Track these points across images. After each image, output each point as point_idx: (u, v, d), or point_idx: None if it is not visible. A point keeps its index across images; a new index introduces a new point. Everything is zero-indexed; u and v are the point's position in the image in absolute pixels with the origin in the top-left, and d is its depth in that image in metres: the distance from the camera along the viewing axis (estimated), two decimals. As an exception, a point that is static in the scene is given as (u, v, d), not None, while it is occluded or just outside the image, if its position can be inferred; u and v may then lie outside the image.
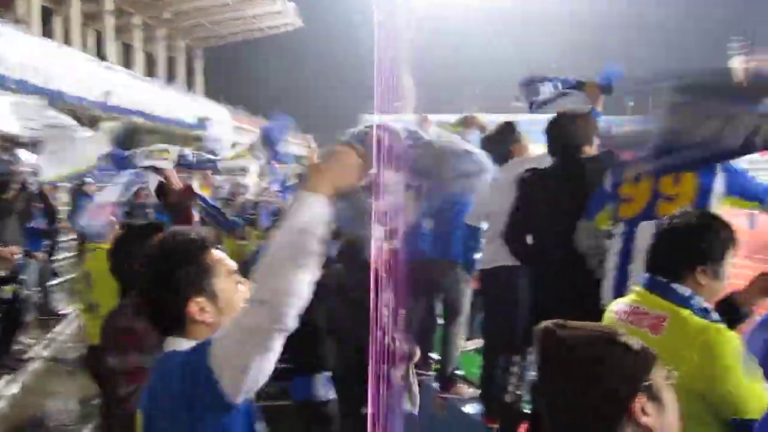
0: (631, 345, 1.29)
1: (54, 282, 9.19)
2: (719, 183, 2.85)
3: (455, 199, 4.64)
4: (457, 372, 4.91)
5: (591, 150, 3.41)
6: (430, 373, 5.15)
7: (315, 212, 1.45)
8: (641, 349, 1.29)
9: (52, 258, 9.44)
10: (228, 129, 36.57)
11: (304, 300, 1.41)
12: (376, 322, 5.00)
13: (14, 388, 6.43)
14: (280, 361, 1.50)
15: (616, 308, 2.25)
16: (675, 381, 1.33)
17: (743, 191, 2.88)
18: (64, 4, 28.06)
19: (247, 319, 1.41)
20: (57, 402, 6.24)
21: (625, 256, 2.91)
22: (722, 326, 1.92)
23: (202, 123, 32.52)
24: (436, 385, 4.89)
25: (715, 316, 1.98)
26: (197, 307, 1.59)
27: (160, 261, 1.64)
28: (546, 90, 4.28)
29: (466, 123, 5.05)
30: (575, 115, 3.49)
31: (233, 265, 1.70)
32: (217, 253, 1.67)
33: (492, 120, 5.32)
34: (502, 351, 4.08)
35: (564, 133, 3.43)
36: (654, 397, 1.26)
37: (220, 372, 1.41)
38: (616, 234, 3.03)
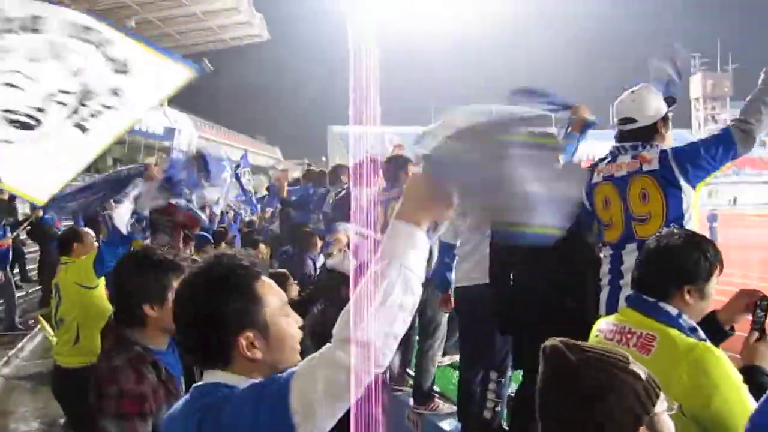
0: (639, 374, 1.27)
1: (17, 296, 8.94)
2: (687, 195, 2.94)
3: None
4: (434, 388, 4.88)
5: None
6: (406, 388, 5.13)
7: (423, 252, 1.33)
8: (648, 378, 1.27)
9: (14, 271, 9.24)
10: (194, 139, 36.41)
11: (398, 341, 1.32)
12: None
13: (-26, 408, 6.24)
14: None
15: (602, 327, 2.25)
16: (674, 411, 1.32)
17: (694, 166, 2.95)
18: (26, 12, 27.56)
19: (343, 359, 1.25)
20: (18, 421, 6.05)
21: (616, 276, 3.01)
22: (711, 344, 1.93)
23: (168, 133, 32.29)
24: (412, 401, 4.85)
25: (703, 335, 2.00)
26: (246, 342, 1.42)
27: (206, 290, 1.46)
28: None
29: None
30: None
31: (284, 295, 1.55)
32: (269, 283, 1.52)
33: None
34: (478, 367, 4.07)
35: None
36: (655, 429, 1.25)
37: (302, 416, 1.26)
38: (605, 255, 3.13)
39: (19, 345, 8.13)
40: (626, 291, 2.84)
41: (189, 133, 35.16)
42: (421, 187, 1.37)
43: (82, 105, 4.29)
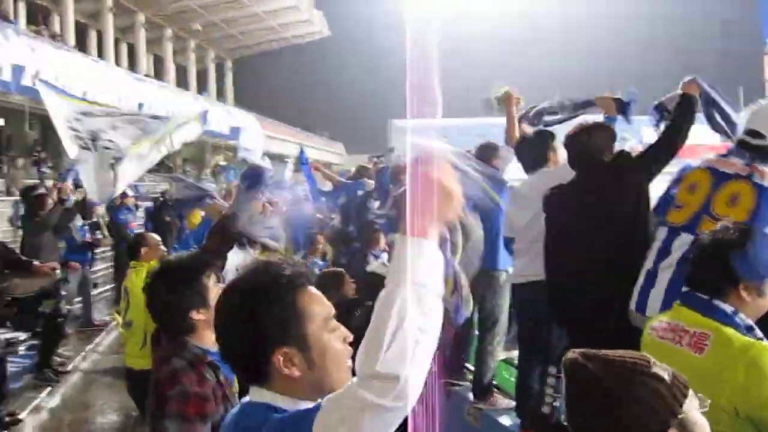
0: (662, 376, 1.23)
1: (94, 293, 9.35)
2: None
3: (488, 207, 4.61)
4: (494, 382, 4.85)
5: (610, 156, 3.41)
6: (466, 383, 5.12)
7: (436, 264, 1.19)
8: (672, 380, 1.23)
9: (92, 269, 9.66)
10: (259, 138, 37.06)
11: (426, 369, 1.17)
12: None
13: (55, 400, 6.56)
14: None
15: (654, 325, 2.20)
16: (707, 408, 1.28)
17: None
18: (99, 20, 28.68)
19: (366, 398, 1.13)
20: (96, 414, 6.34)
21: (659, 261, 2.91)
22: (768, 344, 1.86)
23: (234, 133, 32.99)
24: (471, 395, 4.83)
25: (760, 334, 1.93)
26: (284, 358, 1.32)
27: (243, 301, 1.37)
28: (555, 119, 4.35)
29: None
30: (592, 127, 3.50)
31: (331, 308, 1.41)
32: (313, 293, 1.39)
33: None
34: (537, 363, 4.03)
35: (582, 146, 3.45)
36: (686, 429, 1.21)
37: None
38: (658, 239, 3.03)
39: (96, 340, 8.49)
40: (660, 289, 2.78)
41: (254, 132, 35.81)
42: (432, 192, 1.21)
43: None
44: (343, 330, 1.40)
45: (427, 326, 1.16)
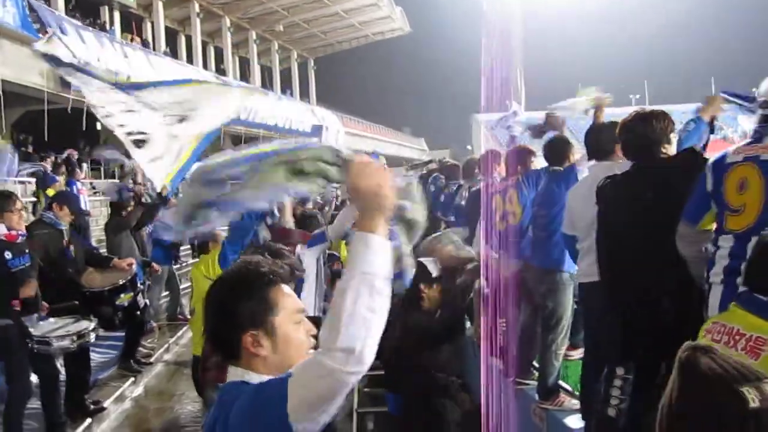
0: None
1: (182, 287, 9.75)
2: None
3: (558, 204, 4.50)
4: (559, 383, 4.74)
5: (671, 149, 3.20)
6: (532, 382, 5.02)
7: (381, 253, 1.45)
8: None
9: (177, 266, 10.07)
10: (341, 135, 37.69)
11: (378, 339, 1.42)
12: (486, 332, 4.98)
13: (138, 390, 6.90)
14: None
15: (709, 327, 2.08)
16: None
17: None
18: (187, 25, 29.86)
19: (330, 366, 1.38)
20: (176, 403, 6.62)
21: (733, 273, 2.57)
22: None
23: (316, 131, 33.66)
24: (537, 395, 4.74)
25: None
26: (252, 339, 1.57)
27: (223, 289, 1.65)
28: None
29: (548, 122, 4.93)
30: (648, 114, 3.28)
31: (300, 305, 1.68)
32: (285, 291, 1.65)
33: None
34: (603, 363, 3.89)
35: (638, 135, 3.25)
36: None
37: (297, 418, 1.40)
38: (722, 247, 2.71)
39: (179, 333, 8.86)
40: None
41: (335, 129, 36.35)
42: (360, 190, 1.48)
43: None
44: (307, 324, 1.66)
45: (376, 306, 1.41)
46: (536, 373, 5.02)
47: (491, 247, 5.09)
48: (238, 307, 1.58)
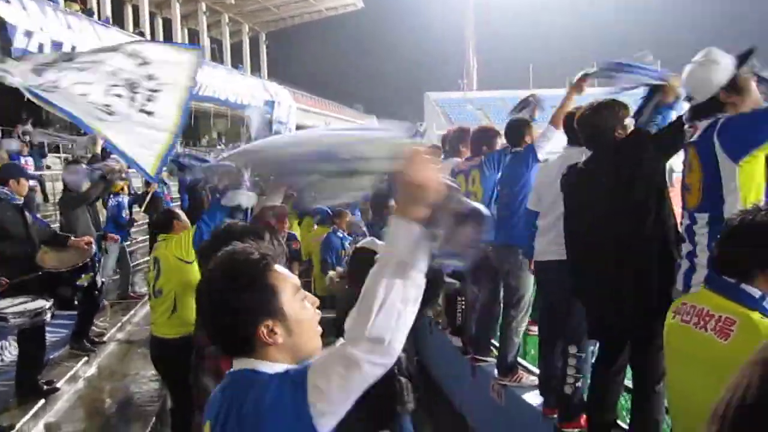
0: None
1: (131, 265, 9.55)
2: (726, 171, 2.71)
3: (519, 183, 4.58)
4: (518, 360, 4.85)
5: (624, 133, 3.33)
6: (491, 359, 5.13)
7: (417, 242, 1.39)
8: None
9: (128, 243, 9.85)
10: (292, 111, 37.30)
11: (407, 332, 1.39)
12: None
13: (91, 370, 6.75)
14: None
15: (678, 308, 2.15)
16: None
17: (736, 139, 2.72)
18: (133, -6, 28.94)
19: (356, 356, 1.34)
20: (131, 384, 6.51)
21: (692, 252, 2.83)
22: (798, 330, 1.80)
23: (268, 106, 33.22)
24: (496, 371, 4.84)
25: (789, 320, 1.86)
26: (267, 330, 1.49)
27: (222, 285, 1.55)
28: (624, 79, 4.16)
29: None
30: (598, 105, 3.42)
31: (297, 280, 1.61)
32: (281, 271, 1.58)
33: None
34: (558, 341, 4.01)
35: (590, 125, 3.41)
36: None
37: (318, 407, 1.36)
38: (683, 224, 2.96)
39: (132, 312, 8.69)
40: (701, 271, 2.71)
41: (287, 105, 35.92)
42: (404, 182, 1.40)
43: (134, 93, 5.29)
44: (309, 296, 1.60)
45: (409, 298, 1.37)
46: (495, 351, 5.12)
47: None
48: (245, 301, 1.50)
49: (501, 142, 5.21)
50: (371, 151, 1.48)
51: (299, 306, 1.55)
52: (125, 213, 8.88)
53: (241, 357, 1.54)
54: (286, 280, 1.57)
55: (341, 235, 7.50)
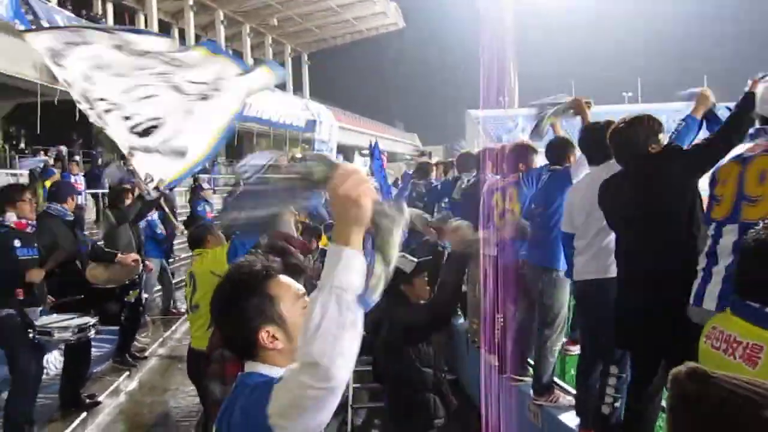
0: None
1: (174, 281, 9.73)
2: None
3: (554, 204, 4.54)
4: (554, 379, 4.77)
5: (657, 147, 3.28)
6: (527, 378, 5.05)
7: (354, 268, 1.40)
8: None
9: (170, 261, 10.05)
10: (334, 130, 37.64)
11: (353, 358, 1.38)
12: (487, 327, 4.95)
13: (132, 384, 6.88)
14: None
15: (709, 333, 2.10)
16: None
17: None
18: (180, 18, 29.69)
19: (300, 379, 1.37)
20: (170, 398, 6.61)
21: (713, 258, 2.81)
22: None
23: (310, 125, 33.59)
24: (531, 391, 4.77)
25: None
26: (267, 335, 1.62)
27: (227, 294, 1.70)
28: None
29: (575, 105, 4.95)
30: (632, 119, 3.38)
31: (301, 289, 1.72)
32: (282, 280, 1.70)
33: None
34: (598, 361, 3.93)
35: (624, 140, 3.37)
36: None
37: (275, 421, 1.41)
38: (709, 234, 2.92)
39: (173, 327, 8.84)
40: (717, 281, 2.68)
41: (329, 124, 36.27)
42: (337, 204, 1.42)
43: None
44: None
45: (346, 322, 1.36)
46: (531, 370, 5.05)
47: (489, 245, 5.12)
48: (244, 308, 1.64)
49: (538, 159, 5.17)
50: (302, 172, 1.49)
51: (300, 313, 1.62)
52: (159, 229, 9.02)
53: (248, 361, 1.66)
54: (287, 289, 1.69)
55: None
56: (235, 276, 1.71)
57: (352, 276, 1.39)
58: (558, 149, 4.72)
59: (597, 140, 3.93)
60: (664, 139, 3.34)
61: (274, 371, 1.58)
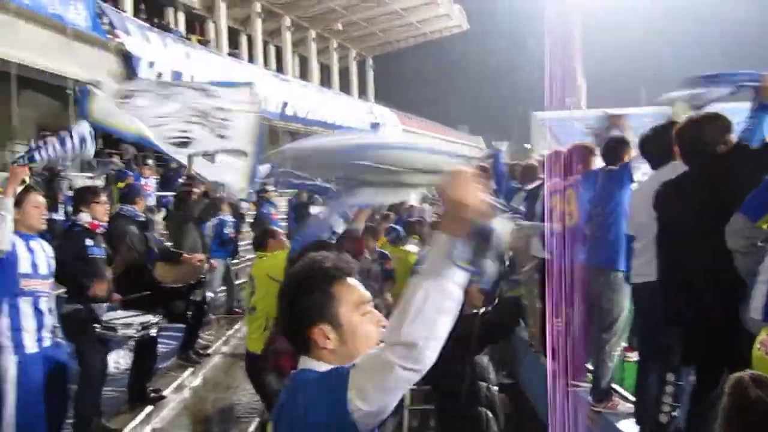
0: None
1: (237, 282, 9.96)
2: None
3: (611, 203, 4.45)
4: (612, 386, 4.65)
5: (726, 147, 3.16)
6: (586, 384, 4.95)
7: (454, 256, 1.46)
8: None
9: (234, 261, 10.29)
10: (398, 132, 37.71)
11: (441, 344, 1.45)
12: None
13: (196, 380, 7.09)
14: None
15: (763, 339, 2.03)
16: None
17: None
18: (248, 25, 30.42)
19: (390, 359, 1.42)
20: (233, 395, 6.78)
21: None
22: None
23: (374, 128, 33.81)
24: (590, 397, 4.67)
25: None
26: (320, 333, 1.63)
27: (291, 286, 1.73)
28: (715, 91, 3.95)
29: (611, 122, 4.83)
30: (700, 118, 3.27)
31: (366, 296, 1.72)
32: (349, 283, 1.70)
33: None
34: (656, 368, 3.82)
35: (691, 139, 3.25)
36: None
37: (355, 405, 1.45)
38: None
39: (237, 326, 9.05)
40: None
41: (393, 127, 36.42)
42: (448, 198, 1.47)
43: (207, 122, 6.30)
44: (376, 315, 1.70)
45: (443, 309, 1.43)
46: (590, 375, 4.95)
47: (548, 248, 5.05)
48: (303, 302, 1.65)
49: (597, 160, 5.06)
50: (414, 165, 1.56)
51: (359, 320, 1.66)
52: (227, 230, 9.26)
53: (303, 356, 1.68)
54: (351, 292, 1.68)
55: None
56: (305, 269, 1.72)
57: (455, 265, 1.45)
58: (612, 150, 4.64)
59: (661, 141, 3.83)
60: (732, 138, 3.21)
61: (323, 368, 1.60)
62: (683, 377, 3.61)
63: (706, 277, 3.06)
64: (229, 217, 9.36)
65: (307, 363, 1.66)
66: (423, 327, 1.41)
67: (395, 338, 1.43)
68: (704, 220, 3.04)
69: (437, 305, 1.43)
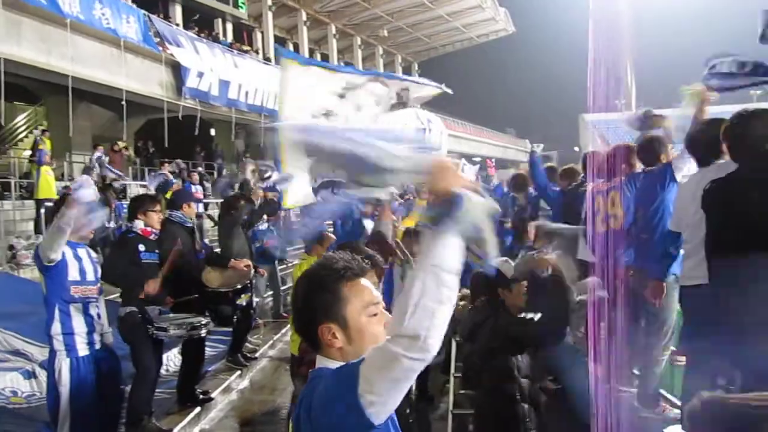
0: None
1: (284, 287, 10.11)
2: None
3: (654, 204, 4.37)
4: (660, 391, 4.56)
5: None
6: (633, 389, 4.86)
7: (452, 249, 1.52)
8: None
9: (282, 267, 10.45)
10: (444, 137, 37.64)
11: (444, 330, 1.49)
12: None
13: (244, 383, 7.22)
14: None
15: None
16: None
17: None
18: (295, 33, 30.86)
19: (396, 351, 1.46)
20: (278, 397, 6.87)
21: None
22: None
23: (419, 133, 33.82)
24: (637, 403, 4.58)
25: None
26: (328, 332, 1.67)
27: (302, 285, 1.77)
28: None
29: (652, 121, 4.75)
30: (749, 114, 3.16)
31: (376, 297, 1.74)
32: (360, 284, 1.72)
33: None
34: (704, 372, 3.72)
35: (739, 135, 3.16)
36: None
37: (366, 397, 1.49)
38: None
39: (283, 330, 9.17)
40: None
41: (439, 132, 36.34)
42: (432, 192, 1.55)
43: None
44: (386, 316, 1.72)
45: (442, 298, 1.49)
46: (637, 380, 4.85)
47: (592, 251, 4.98)
48: (312, 302, 1.70)
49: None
50: (403, 166, 1.63)
51: (366, 320, 1.70)
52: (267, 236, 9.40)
53: (318, 355, 1.73)
54: (360, 293, 1.71)
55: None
56: (316, 269, 1.77)
57: (449, 255, 1.51)
58: (648, 150, 4.55)
59: (708, 138, 3.75)
60: None
61: (335, 366, 1.64)
62: (734, 382, 3.51)
63: (759, 278, 2.96)
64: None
65: (322, 362, 1.71)
66: (424, 318, 1.46)
67: (398, 331, 1.48)
68: (754, 216, 2.97)
69: (435, 296, 1.48)
